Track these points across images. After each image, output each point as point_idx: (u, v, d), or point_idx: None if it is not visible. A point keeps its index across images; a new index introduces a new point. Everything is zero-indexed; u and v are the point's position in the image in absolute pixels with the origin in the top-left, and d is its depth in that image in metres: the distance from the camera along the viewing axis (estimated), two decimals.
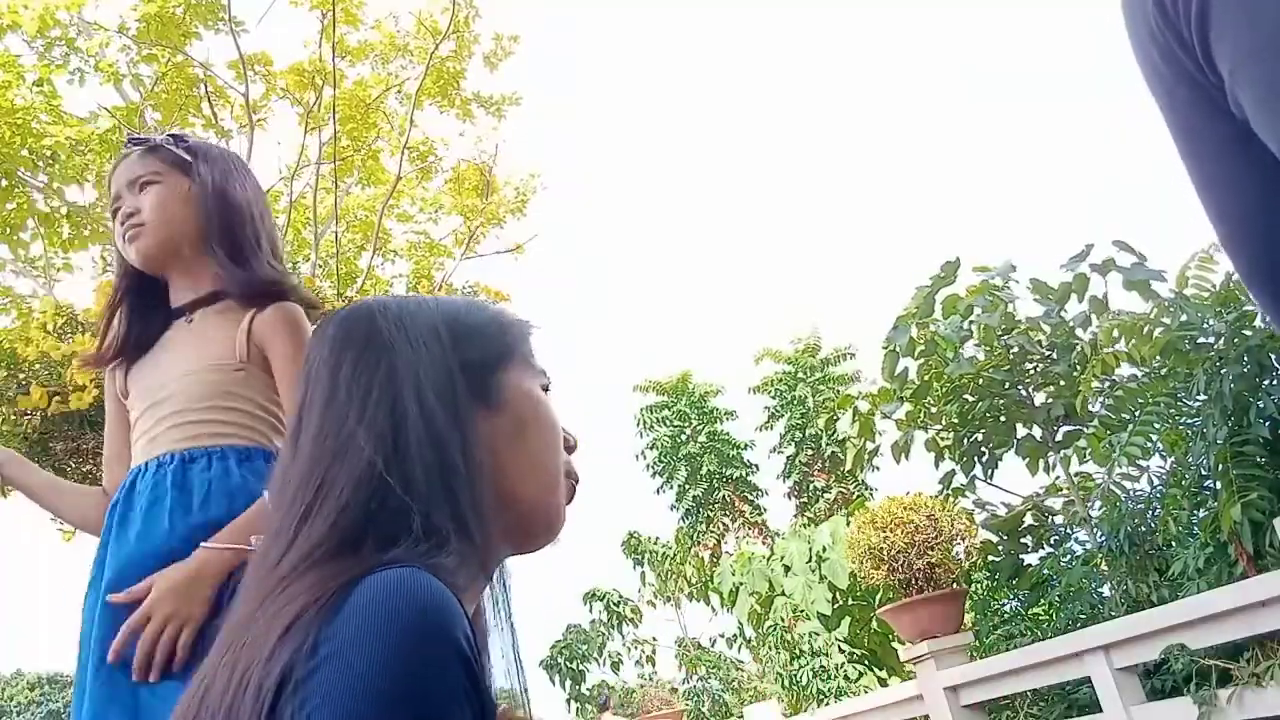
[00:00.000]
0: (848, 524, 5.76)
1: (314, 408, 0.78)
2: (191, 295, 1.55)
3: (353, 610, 0.62)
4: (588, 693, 11.09)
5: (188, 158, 1.56)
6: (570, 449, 0.88)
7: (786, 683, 7.43)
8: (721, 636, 10.57)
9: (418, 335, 0.80)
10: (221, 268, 1.52)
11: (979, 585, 5.60)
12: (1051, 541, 5.21)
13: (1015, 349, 4.94)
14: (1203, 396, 3.77)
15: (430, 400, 0.76)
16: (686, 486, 15.90)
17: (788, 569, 7.96)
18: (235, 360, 1.50)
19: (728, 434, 16.37)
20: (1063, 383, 4.89)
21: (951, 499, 5.29)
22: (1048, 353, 4.92)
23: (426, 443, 0.74)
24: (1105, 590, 4.50)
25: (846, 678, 7.24)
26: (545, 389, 0.87)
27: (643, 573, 11.82)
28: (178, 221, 1.53)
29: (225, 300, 1.54)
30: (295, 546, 0.71)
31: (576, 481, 0.88)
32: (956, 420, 5.20)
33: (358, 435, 0.74)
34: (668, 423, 16.35)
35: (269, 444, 1.49)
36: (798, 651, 7.53)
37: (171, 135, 1.61)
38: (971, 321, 4.93)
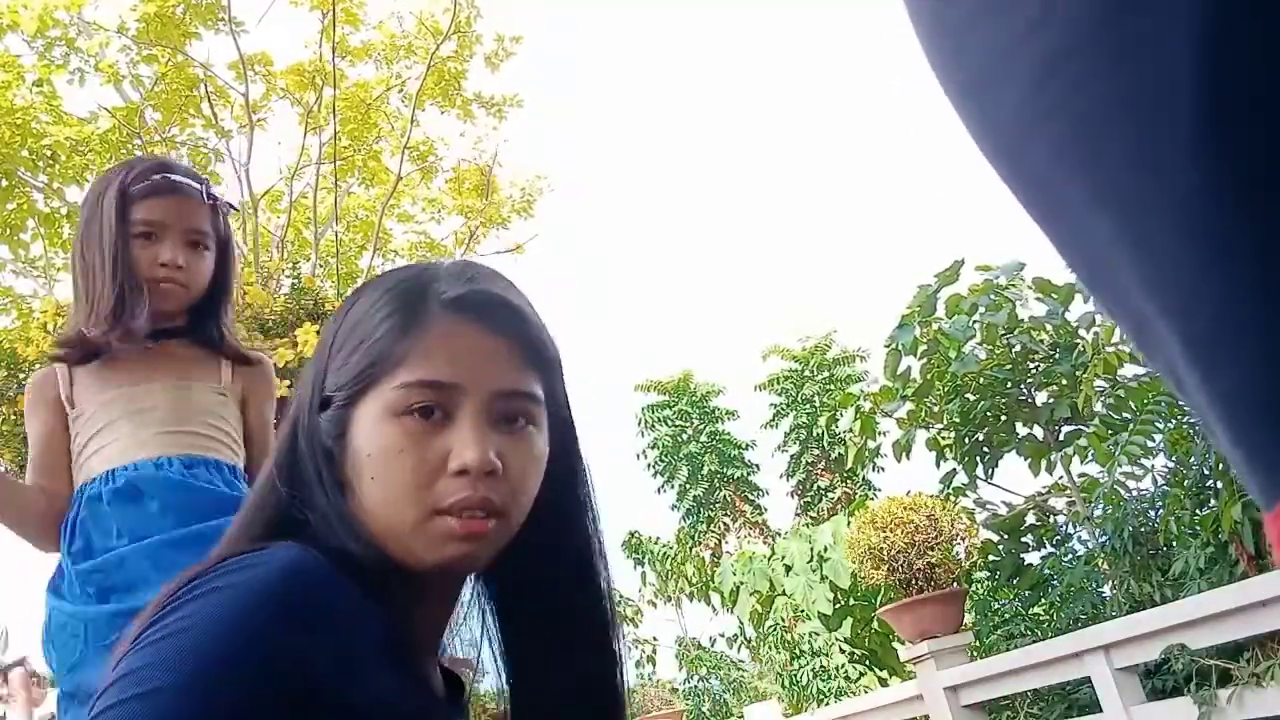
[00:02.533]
0: (849, 524, 5.76)
1: None
2: (162, 325, 1.59)
3: (184, 590, 0.68)
4: None
5: (227, 233, 1.64)
6: (464, 472, 0.73)
7: (787, 683, 7.43)
8: (722, 636, 10.55)
9: (312, 361, 0.83)
10: (217, 330, 1.63)
11: (979, 585, 5.59)
12: (1053, 541, 5.21)
13: (1018, 348, 4.94)
14: None
15: (303, 435, 0.80)
16: (687, 486, 15.91)
17: (789, 569, 7.96)
18: (219, 385, 1.61)
19: (729, 434, 16.38)
20: (1065, 382, 4.89)
21: (952, 498, 5.29)
22: (1050, 352, 4.92)
23: (306, 475, 0.78)
24: (1106, 590, 4.50)
25: (847, 678, 7.24)
26: (417, 405, 0.74)
27: (643, 573, 11.80)
28: (203, 288, 1.60)
29: (185, 337, 1.62)
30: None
31: (470, 510, 0.73)
32: (958, 419, 5.20)
33: (271, 465, 0.82)
34: (669, 422, 16.36)
35: (240, 465, 1.60)
36: (798, 651, 7.52)
37: (229, 204, 1.68)
38: (975, 321, 4.93)
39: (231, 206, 1.69)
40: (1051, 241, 0.33)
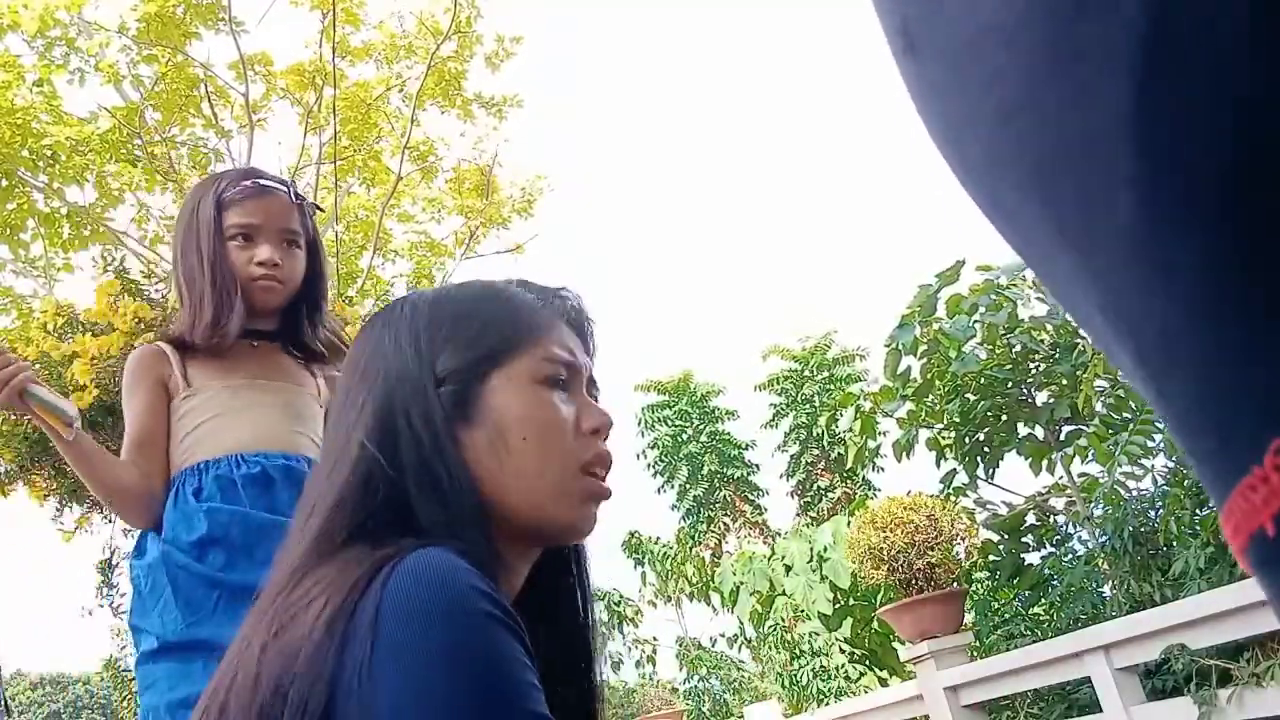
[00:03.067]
0: (849, 524, 5.76)
1: (331, 415, 0.85)
2: (259, 325, 1.66)
3: (390, 609, 0.63)
4: None
5: (314, 233, 1.72)
6: (598, 432, 0.84)
7: (787, 683, 7.43)
8: (722, 636, 10.55)
9: (406, 345, 0.82)
10: (315, 341, 1.70)
11: (979, 585, 5.59)
12: (1053, 541, 5.21)
13: (1018, 348, 4.94)
14: None
15: (412, 416, 0.78)
16: (687, 486, 15.92)
17: (789, 569, 7.96)
18: (319, 398, 1.69)
19: (729, 434, 16.39)
20: (1065, 382, 4.88)
21: (953, 498, 5.28)
22: (1051, 352, 4.92)
23: (412, 456, 0.77)
24: (1106, 590, 4.50)
25: (847, 678, 7.24)
26: (555, 376, 0.83)
27: (643, 573, 11.80)
28: (298, 284, 1.67)
29: (278, 340, 1.69)
30: (303, 542, 0.75)
31: (604, 468, 0.84)
32: (958, 419, 5.19)
33: (353, 442, 0.79)
34: (669, 422, 16.37)
35: None
36: (798, 651, 7.53)
37: (314, 204, 1.76)
38: (975, 320, 4.93)
39: (317, 207, 1.76)
40: (1033, 271, 0.37)
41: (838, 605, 7.46)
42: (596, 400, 0.89)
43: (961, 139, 0.35)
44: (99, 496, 1.59)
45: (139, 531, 1.62)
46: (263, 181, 1.64)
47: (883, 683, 7.14)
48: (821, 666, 7.29)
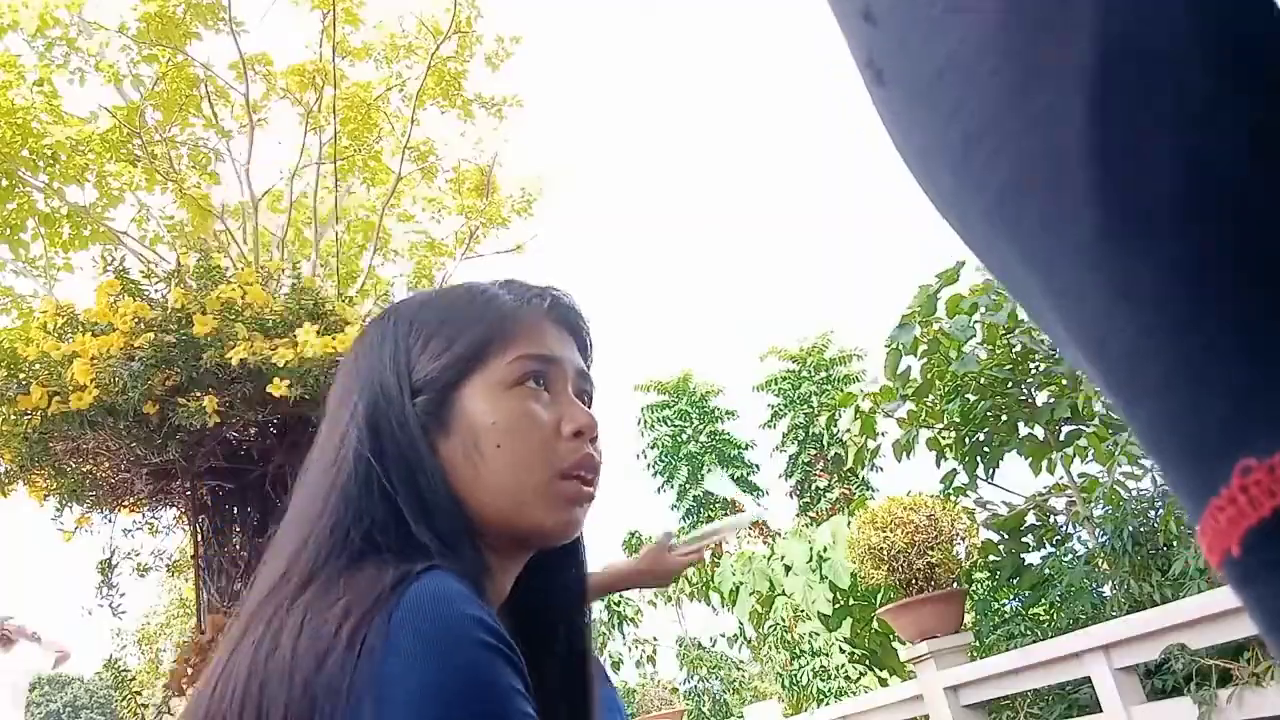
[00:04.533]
0: (849, 524, 5.75)
1: (328, 414, 0.84)
2: None
3: (392, 642, 0.61)
4: None
5: None
6: (580, 434, 0.80)
7: (787, 683, 7.43)
8: (722, 636, 10.55)
9: (388, 354, 0.82)
10: None
11: (979, 585, 5.59)
12: (1053, 541, 5.21)
13: (1018, 348, 4.94)
14: None
15: (394, 428, 0.78)
16: (687, 486, 15.93)
17: (788, 569, 7.96)
18: None
19: (728, 434, 16.40)
20: (1065, 382, 4.88)
21: (953, 498, 5.28)
22: (1051, 352, 4.92)
23: (397, 468, 0.77)
24: (1106, 590, 4.50)
25: (847, 678, 7.24)
26: (530, 376, 0.80)
27: None
28: None
29: None
30: (304, 544, 0.74)
31: (587, 472, 0.80)
32: (959, 419, 5.19)
33: (348, 446, 0.78)
34: (668, 422, 16.38)
35: None
36: (798, 651, 7.53)
37: None
38: (976, 320, 4.93)
39: None
40: (1009, 295, 0.37)
41: (838, 605, 7.46)
42: (590, 401, 0.86)
43: (932, 168, 0.36)
44: None
45: None
46: None
47: (883, 683, 7.15)
48: (821, 666, 7.29)
